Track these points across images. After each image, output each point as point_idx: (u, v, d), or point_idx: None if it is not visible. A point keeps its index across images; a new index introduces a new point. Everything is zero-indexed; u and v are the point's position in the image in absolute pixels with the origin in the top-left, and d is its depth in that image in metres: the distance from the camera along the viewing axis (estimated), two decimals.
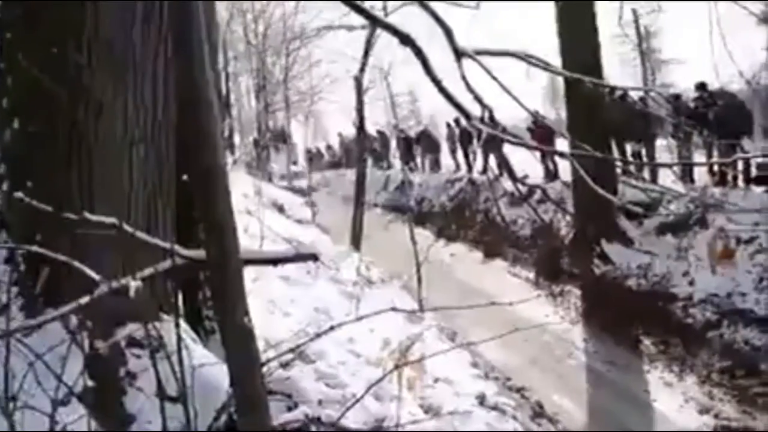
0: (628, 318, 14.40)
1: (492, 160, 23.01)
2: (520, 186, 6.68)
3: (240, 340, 2.83)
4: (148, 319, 3.80)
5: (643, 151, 18.11)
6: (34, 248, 4.15)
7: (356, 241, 19.08)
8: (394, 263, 18.04)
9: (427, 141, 30.08)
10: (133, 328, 5.00)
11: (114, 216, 3.70)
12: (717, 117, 15.02)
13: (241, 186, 17.57)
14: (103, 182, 5.28)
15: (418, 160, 30.91)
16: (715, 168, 15.89)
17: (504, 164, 5.97)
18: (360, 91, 20.71)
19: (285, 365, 6.82)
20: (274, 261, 3.60)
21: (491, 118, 5.77)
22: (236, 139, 35.87)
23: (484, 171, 23.91)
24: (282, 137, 37.38)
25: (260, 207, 15.67)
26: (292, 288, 12.06)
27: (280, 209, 20.72)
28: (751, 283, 13.02)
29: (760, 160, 14.14)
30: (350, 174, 27.26)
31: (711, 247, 13.82)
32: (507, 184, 20.55)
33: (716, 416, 10.95)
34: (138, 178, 5.50)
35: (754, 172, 15.10)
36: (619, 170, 11.66)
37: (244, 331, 2.81)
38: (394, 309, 4.39)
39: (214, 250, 2.79)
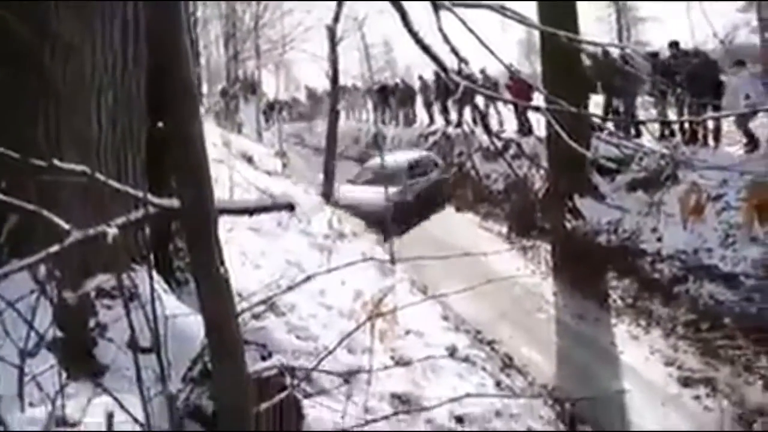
0: (598, 272, 14.56)
1: (467, 114, 22.91)
2: (495, 140, 6.64)
3: (215, 289, 2.78)
4: (119, 270, 3.73)
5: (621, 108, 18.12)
6: None
7: (327, 194, 18.99)
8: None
9: (402, 93, 29.80)
10: (103, 279, 4.93)
11: (82, 163, 3.60)
12: (689, 76, 15.06)
13: (210, 137, 17.36)
14: (71, 128, 5.17)
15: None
16: (686, 126, 16.02)
17: (480, 118, 5.89)
18: (333, 41, 20.46)
19: (256, 317, 6.81)
20: (250, 210, 3.52)
21: (482, 72, 5.68)
22: (204, 88, 35.21)
23: (459, 125, 23.85)
24: (251, 87, 36.80)
25: (230, 157, 15.53)
26: (263, 240, 12.00)
27: (249, 160, 20.52)
28: (717, 240, 13.24)
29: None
30: (323, 125, 27.04)
31: (683, 201, 13.95)
32: (482, 138, 20.56)
33: (680, 368, 11.18)
34: (107, 125, 5.40)
35: (725, 129, 15.24)
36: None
37: (220, 280, 2.76)
38: (371, 258, 4.34)
39: (190, 197, 2.72)
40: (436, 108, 27.05)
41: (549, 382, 11.25)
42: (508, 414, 8.94)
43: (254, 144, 25.87)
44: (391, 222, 17.27)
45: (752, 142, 14.52)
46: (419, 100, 29.05)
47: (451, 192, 22.40)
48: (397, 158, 22.41)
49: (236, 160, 17.16)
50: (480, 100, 7.22)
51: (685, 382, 10.76)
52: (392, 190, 19.32)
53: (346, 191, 20.66)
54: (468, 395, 6.77)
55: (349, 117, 33.29)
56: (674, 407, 10.20)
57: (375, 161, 22.05)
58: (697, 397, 10.38)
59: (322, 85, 34.04)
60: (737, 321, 11.86)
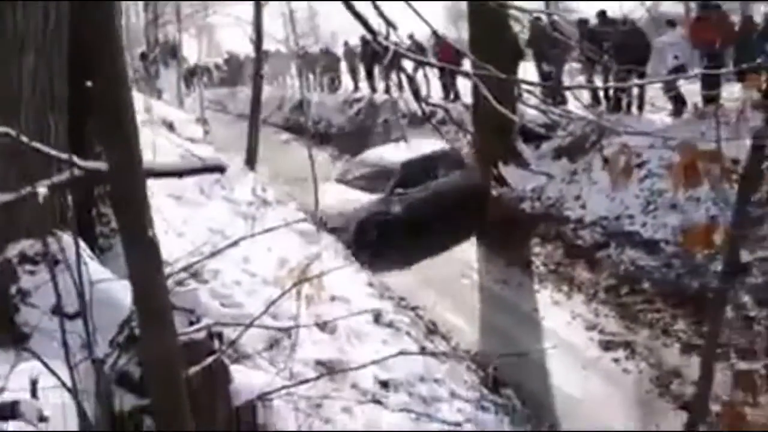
0: (521, 239, 14.80)
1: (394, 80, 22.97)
2: (423, 105, 6.67)
3: (144, 252, 2.75)
4: (43, 235, 3.67)
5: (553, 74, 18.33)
6: None
7: (251, 161, 18.77)
8: (291, 183, 17.94)
9: (326, 59, 29.61)
10: (26, 245, 4.82)
11: (3, 125, 3.51)
12: (617, 43, 15.34)
13: None
14: None
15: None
16: (610, 93, 16.37)
17: (409, 82, 5.90)
18: (258, 5, 20.11)
19: (180, 284, 6.75)
20: (179, 173, 3.46)
21: (410, 37, 5.68)
22: None
23: (387, 90, 23.83)
24: (172, 52, 36.00)
25: (151, 123, 15.21)
26: (186, 208, 11.84)
27: (170, 127, 20.13)
28: (639, 207, 13.62)
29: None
30: (246, 92, 26.67)
31: (613, 162, 14.16)
32: (408, 105, 20.57)
33: (601, 332, 11.42)
34: (28, 89, 5.27)
35: (649, 96, 15.62)
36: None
37: (149, 243, 2.73)
38: (303, 219, 4.34)
39: (118, 160, 2.68)
40: (361, 74, 27.04)
41: (472, 348, 11.41)
42: (432, 379, 9.07)
43: (175, 110, 25.41)
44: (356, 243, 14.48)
45: (678, 107, 14.98)
46: (343, 66, 28.96)
47: (488, 213, 16.14)
48: (401, 152, 17.16)
49: (157, 127, 16.86)
50: (408, 66, 7.23)
51: (606, 346, 11.01)
52: (373, 197, 15.95)
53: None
54: (401, 353, 6.85)
55: (273, 83, 32.93)
56: (594, 370, 10.45)
57: (367, 155, 18.08)
58: (617, 360, 10.64)
59: (245, 50, 33.54)
60: (657, 286, 12.23)
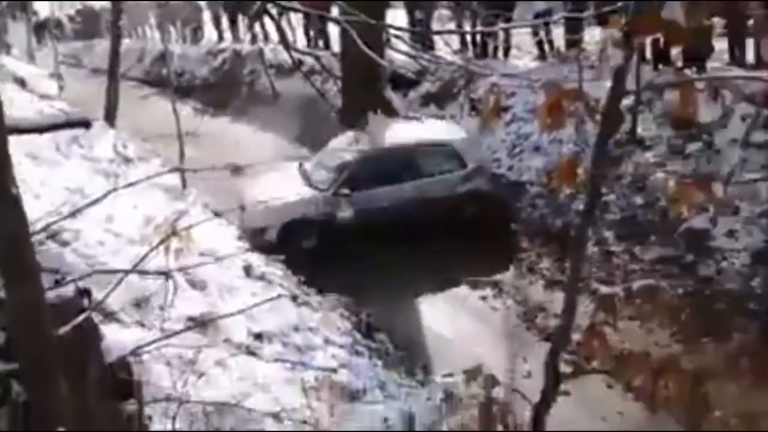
0: None
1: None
2: (293, 54, 6.63)
3: (8, 210, 2.67)
4: None
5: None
6: None
7: (111, 117, 18.17)
8: (153, 140, 17.53)
9: (188, 9, 28.83)
10: None
11: None
12: None
13: None
14: None
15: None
16: (478, 39, 16.74)
17: (278, 30, 5.81)
18: None
19: (40, 244, 6.53)
20: (42, 129, 3.32)
21: None
22: None
23: (253, 40, 23.54)
24: (21, 5, 34.27)
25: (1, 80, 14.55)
26: (42, 168, 11.38)
27: (22, 83, 19.25)
28: (505, 150, 14.04)
29: None
30: (103, 44, 25.73)
31: (483, 102, 14.34)
32: (277, 56, 20.35)
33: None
34: None
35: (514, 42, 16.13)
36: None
37: (13, 201, 2.65)
38: (177, 169, 4.26)
39: None
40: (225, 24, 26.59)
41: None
42: (306, 328, 9.14)
43: (26, 65, 24.32)
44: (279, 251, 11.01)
45: (543, 51, 15.53)
46: (206, 16, 28.35)
47: (513, 242, 12.47)
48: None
49: (8, 84, 16.12)
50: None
51: (474, 285, 11.38)
52: (315, 193, 12.70)
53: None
54: (277, 296, 6.87)
55: (132, 35, 31.94)
56: (463, 308, 10.83)
57: (340, 141, 13.83)
58: (485, 299, 11.07)
59: (100, 2, 32.38)
60: (522, 226, 12.79)
